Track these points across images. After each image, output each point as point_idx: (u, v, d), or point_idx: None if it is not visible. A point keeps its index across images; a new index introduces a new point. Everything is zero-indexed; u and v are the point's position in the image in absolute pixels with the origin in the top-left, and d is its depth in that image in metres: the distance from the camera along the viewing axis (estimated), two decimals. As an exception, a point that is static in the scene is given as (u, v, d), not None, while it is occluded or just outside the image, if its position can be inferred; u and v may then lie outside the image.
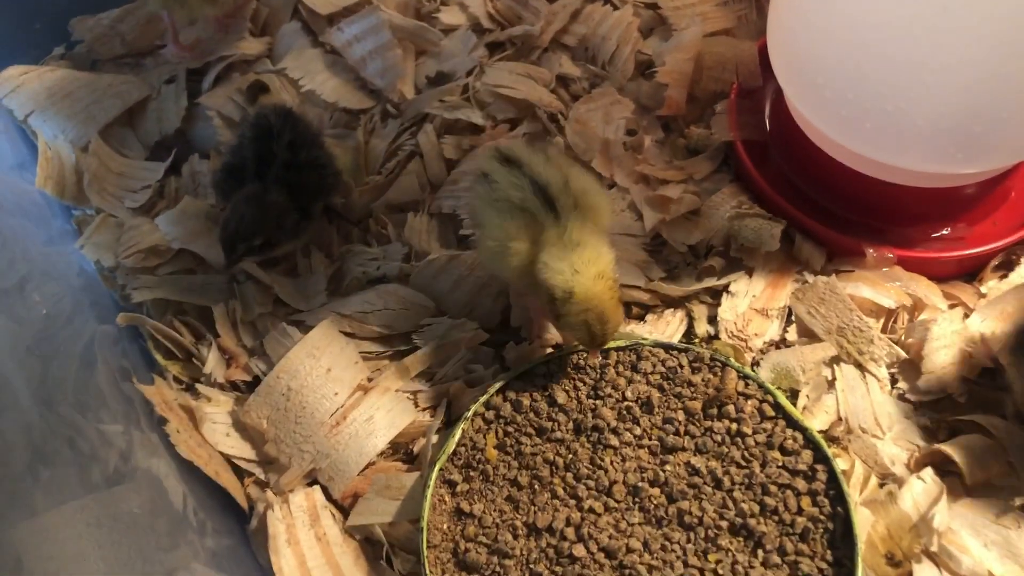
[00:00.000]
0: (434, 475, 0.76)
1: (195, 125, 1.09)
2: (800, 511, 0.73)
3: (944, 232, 0.93)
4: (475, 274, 0.92)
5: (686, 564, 0.72)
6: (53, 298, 0.88)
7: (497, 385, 0.81)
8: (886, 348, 0.86)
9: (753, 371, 0.84)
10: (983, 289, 0.90)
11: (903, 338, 0.88)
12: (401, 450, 0.86)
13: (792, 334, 0.89)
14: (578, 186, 0.77)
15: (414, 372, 0.88)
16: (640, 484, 0.75)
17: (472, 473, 0.78)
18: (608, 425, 0.78)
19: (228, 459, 0.85)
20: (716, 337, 0.89)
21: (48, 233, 1.01)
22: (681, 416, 0.79)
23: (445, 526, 0.76)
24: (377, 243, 0.99)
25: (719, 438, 0.77)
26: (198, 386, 0.89)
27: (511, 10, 1.14)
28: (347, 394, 0.86)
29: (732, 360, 0.81)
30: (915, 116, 0.79)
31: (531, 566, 0.73)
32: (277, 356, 0.88)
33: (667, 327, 0.90)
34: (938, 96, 0.76)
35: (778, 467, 0.75)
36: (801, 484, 0.74)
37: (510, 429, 0.79)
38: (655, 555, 0.72)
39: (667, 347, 0.83)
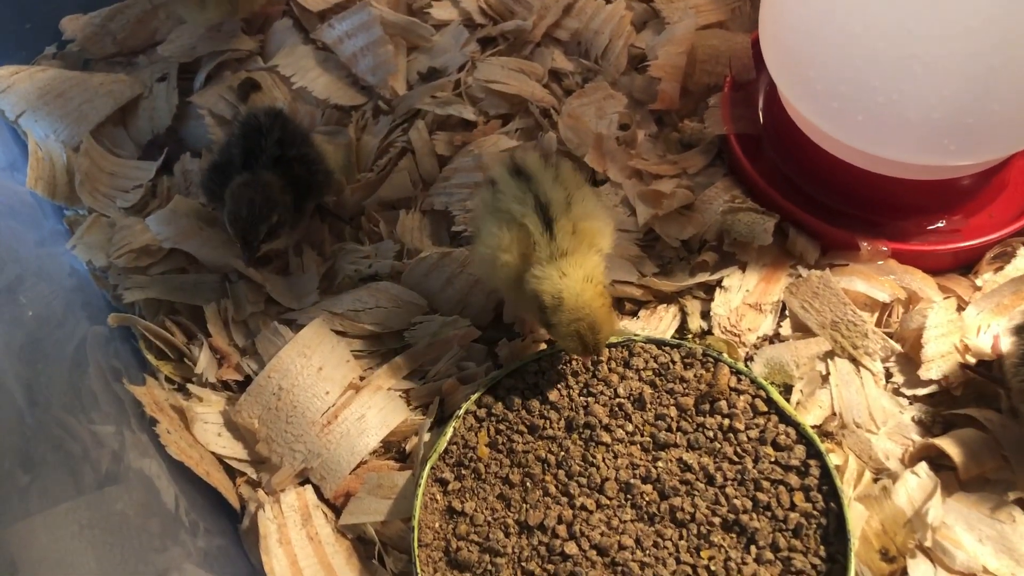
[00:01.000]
0: (426, 473, 0.76)
1: (187, 124, 1.09)
2: (793, 507, 0.73)
3: (939, 225, 0.93)
4: (467, 271, 0.91)
5: (678, 561, 0.72)
6: (45, 299, 0.88)
7: (489, 383, 0.80)
8: (880, 342, 0.86)
9: (747, 366, 0.83)
10: (979, 282, 0.90)
11: (898, 332, 0.87)
12: (393, 449, 0.85)
13: (786, 329, 0.89)
14: (581, 211, 0.76)
15: (406, 370, 0.88)
16: (632, 481, 0.75)
17: (464, 471, 0.77)
18: (600, 422, 0.78)
19: (219, 459, 0.85)
20: (709, 332, 0.89)
21: (39, 234, 1.01)
22: (673, 412, 0.78)
23: (437, 524, 0.75)
24: (369, 241, 0.98)
25: (711, 434, 0.77)
26: (189, 386, 0.89)
27: (503, 5, 1.14)
28: (339, 393, 0.86)
29: (725, 356, 0.80)
30: (906, 108, 0.78)
31: (523, 564, 0.72)
32: (268, 355, 0.88)
33: (660, 323, 0.90)
34: (929, 88, 0.76)
35: (771, 463, 0.75)
36: (794, 480, 0.74)
37: (502, 427, 0.79)
38: (647, 552, 0.72)
39: (659, 343, 0.82)
